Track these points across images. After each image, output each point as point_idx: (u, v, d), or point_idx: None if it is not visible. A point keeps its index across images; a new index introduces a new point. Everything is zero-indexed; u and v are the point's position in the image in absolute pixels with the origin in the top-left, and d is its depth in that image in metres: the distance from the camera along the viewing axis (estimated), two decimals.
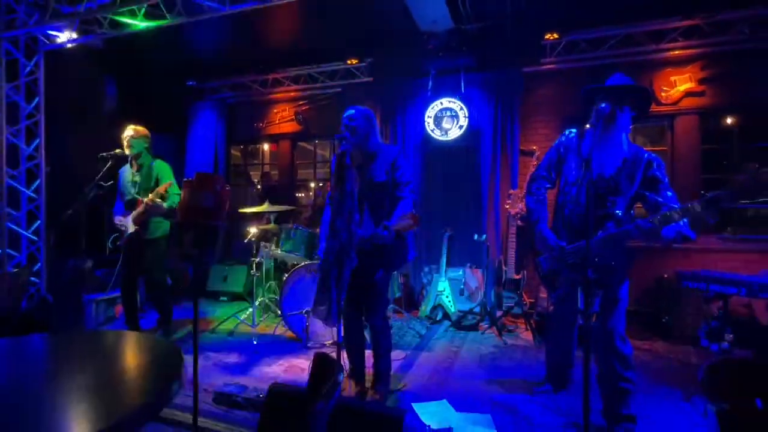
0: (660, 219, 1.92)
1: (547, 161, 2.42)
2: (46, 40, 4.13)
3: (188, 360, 1.43)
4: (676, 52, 4.12)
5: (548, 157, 2.41)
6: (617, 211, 2.11)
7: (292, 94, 5.80)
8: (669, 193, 2.05)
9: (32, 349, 1.64)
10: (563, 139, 2.36)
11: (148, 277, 3.70)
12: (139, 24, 3.80)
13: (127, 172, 3.56)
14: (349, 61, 5.29)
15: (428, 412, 2.38)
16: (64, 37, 4.09)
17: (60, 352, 1.64)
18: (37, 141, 4.13)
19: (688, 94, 4.08)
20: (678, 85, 4.09)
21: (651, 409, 2.45)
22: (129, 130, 3.48)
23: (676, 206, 1.94)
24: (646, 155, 2.09)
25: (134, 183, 3.50)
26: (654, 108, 4.24)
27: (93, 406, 1.14)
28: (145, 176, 3.49)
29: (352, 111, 2.45)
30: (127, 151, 3.46)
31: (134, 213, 3.41)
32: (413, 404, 2.48)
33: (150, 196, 3.32)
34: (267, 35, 4.99)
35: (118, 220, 3.53)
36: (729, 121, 4.31)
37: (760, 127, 4.11)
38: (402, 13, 3.95)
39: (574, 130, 2.34)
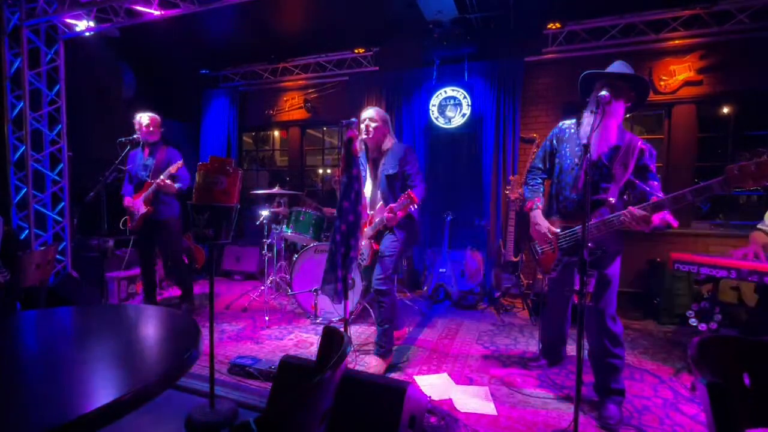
0: (651, 206, 1.97)
1: (542, 153, 2.49)
2: (65, 29, 4.21)
3: (204, 333, 1.47)
4: (676, 41, 4.14)
5: (542, 149, 2.49)
6: (610, 198, 2.16)
7: (301, 82, 5.90)
8: (655, 182, 2.12)
9: (60, 320, 1.68)
10: (556, 130, 2.42)
11: (165, 257, 3.89)
12: (154, 12, 3.91)
13: (139, 156, 3.70)
14: (356, 51, 5.37)
15: (429, 385, 2.50)
16: (82, 25, 4.18)
17: (85, 323, 1.68)
18: (60, 126, 4.27)
19: (687, 83, 4.11)
20: (677, 75, 4.12)
21: (641, 384, 2.56)
22: (148, 119, 3.63)
23: (661, 195, 1.99)
24: (639, 144, 2.14)
25: (146, 167, 3.65)
26: (652, 97, 4.28)
27: (116, 374, 1.18)
28: (158, 161, 3.63)
29: (372, 113, 2.74)
30: (147, 138, 3.62)
31: (145, 194, 3.55)
32: (415, 377, 2.61)
33: (161, 176, 3.48)
34: (277, 25, 5.07)
35: (128, 202, 3.67)
36: (725, 110, 4.36)
37: (755, 115, 4.16)
38: (408, 2, 4.02)
39: (567, 122, 2.40)
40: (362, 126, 2.72)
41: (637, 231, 2.07)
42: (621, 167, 2.14)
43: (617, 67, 2.18)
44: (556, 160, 2.39)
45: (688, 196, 1.87)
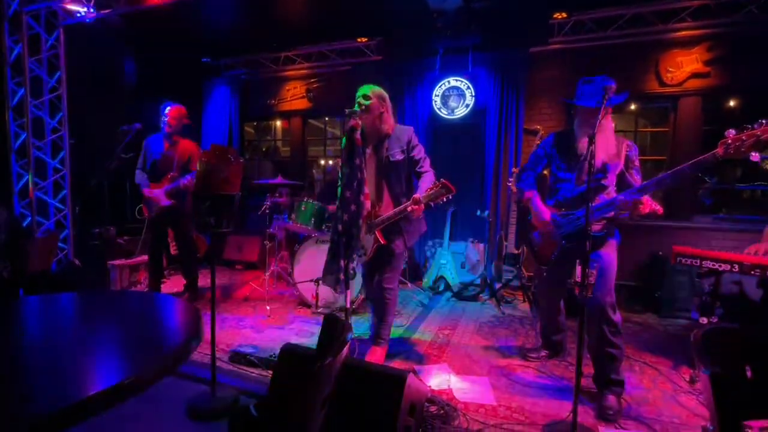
0: (655, 183, 2.05)
1: (534, 158, 2.57)
2: (65, 15, 4.19)
3: (206, 321, 1.47)
4: (684, 32, 4.08)
5: (535, 155, 2.58)
6: (608, 185, 2.27)
7: (303, 71, 5.86)
8: (638, 177, 2.27)
9: (62, 306, 1.70)
10: (546, 140, 2.54)
11: (178, 243, 3.93)
12: None
13: (159, 144, 3.69)
14: (359, 40, 5.32)
15: (429, 374, 2.51)
16: (83, 11, 4.17)
17: (87, 309, 1.70)
18: (61, 114, 4.26)
19: (694, 75, 4.07)
20: (684, 66, 4.07)
21: (640, 376, 2.58)
22: (173, 110, 3.65)
23: (647, 183, 2.08)
24: (623, 143, 2.29)
25: (167, 157, 3.65)
26: (658, 89, 4.25)
27: (117, 359, 1.20)
28: (180, 153, 3.65)
29: (367, 90, 2.50)
30: (168, 129, 3.62)
31: (167, 188, 3.58)
32: (415, 366, 2.61)
33: (188, 177, 3.52)
34: (279, 12, 5.01)
35: (148, 193, 3.65)
36: (731, 103, 4.31)
37: (762, 108, 4.10)
38: None
39: (552, 134, 2.55)
40: (355, 105, 2.45)
41: (627, 219, 2.18)
42: (616, 158, 2.25)
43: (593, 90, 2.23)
44: (552, 165, 2.48)
45: (686, 169, 1.95)
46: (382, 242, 2.55)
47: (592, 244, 2.19)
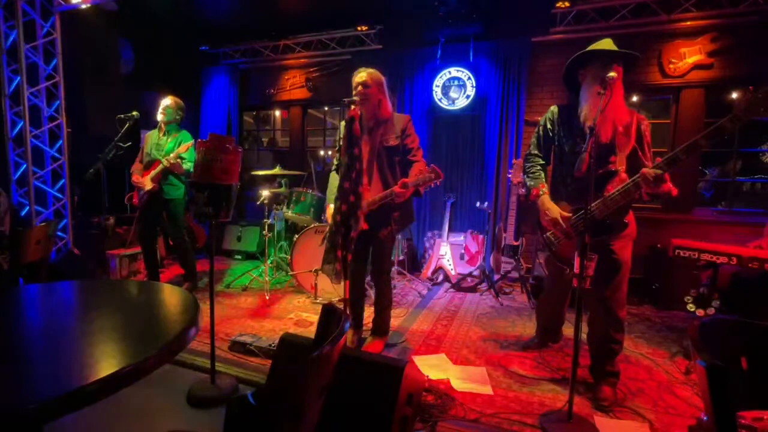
0: (666, 161, 1.89)
1: (536, 139, 2.43)
2: (61, 0, 4.14)
3: (205, 311, 1.47)
4: (688, 23, 4.02)
5: (536, 135, 2.42)
6: (620, 167, 2.11)
7: (302, 60, 5.78)
8: (650, 153, 2.13)
9: (62, 294, 1.70)
10: (549, 115, 2.37)
11: (167, 236, 3.93)
12: None
13: (154, 136, 3.72)
14: (359, 28, 5.25)
15: (427, 365, 2.51)
16: None
17: (87, 297, 1.70)
18: (58, 102, 4.23)
19: (697, 66, 4.02)
20: (687, 58, 4.02)
21: (636, 367, 2.59)
22: (167, 100, 3.68)
23: (663, 160, 1.93)
24: (636, 114, 2.16)
25: (159, 146, 3.65)
26: (660, 81, 4.21)
27: (116, 347, 1.19)
28: (171, 142, 3.64)
29: (365, 76, 2.49)
30: (159, 118, 3.65)
31: (152, 172, 3.56)
32: (414, 357, 2.63)
33: (170, 156, 3.47)
34: (278, 0, 4.96)
35: (136, 178, 3.68)
36: (734, 95, 4.28)
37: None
38: None
39: (555, 107, 2.36)
40: (354, 92, 2.46)
41: (643, 200, 2.02)
42: (625, 137, 2.10)
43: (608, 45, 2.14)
44: (555, 144, 2.33)
45: (700, 141, 1.81)
46: (364, 227, 2.44)
47: (606, 236, 2.14)
